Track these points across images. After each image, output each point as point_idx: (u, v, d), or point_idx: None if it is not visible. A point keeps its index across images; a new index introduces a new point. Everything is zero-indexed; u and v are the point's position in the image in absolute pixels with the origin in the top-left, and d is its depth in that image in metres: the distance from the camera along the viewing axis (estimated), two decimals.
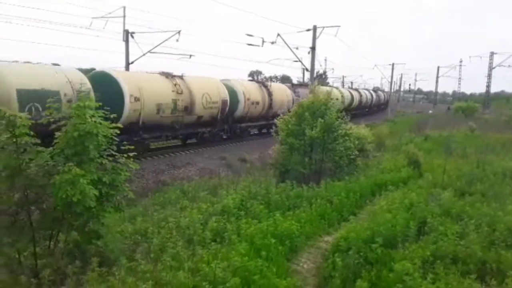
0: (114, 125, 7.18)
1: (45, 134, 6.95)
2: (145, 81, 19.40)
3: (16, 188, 6.58)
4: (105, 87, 17.02)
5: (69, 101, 14.55)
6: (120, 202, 7.41)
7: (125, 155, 7.36)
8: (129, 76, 19.58)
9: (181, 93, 21.01)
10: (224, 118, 25.28)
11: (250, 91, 27.67)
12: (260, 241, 7.94)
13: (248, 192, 11.48)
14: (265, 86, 30.29)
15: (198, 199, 11.24)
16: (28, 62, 15.58)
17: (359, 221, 10.09)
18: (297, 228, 8.90)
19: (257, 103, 28.34)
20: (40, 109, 13.51)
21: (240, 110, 26.72)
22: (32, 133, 6.46)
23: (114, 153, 7.24)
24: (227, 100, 24.65)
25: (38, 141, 6.61)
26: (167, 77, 20.96)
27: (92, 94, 14.50)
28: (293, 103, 26.78)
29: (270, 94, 29.79)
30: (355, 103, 51.05)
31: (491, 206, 10.40)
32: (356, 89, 59.77)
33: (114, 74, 18.42)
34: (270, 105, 29.65)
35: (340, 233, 9.22)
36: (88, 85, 15.91)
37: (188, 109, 21.61)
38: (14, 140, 6.32)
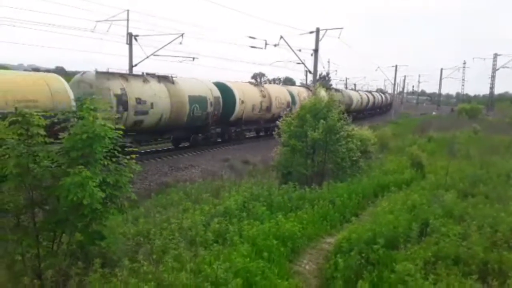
0: (117, 126, 7.24)
1: None
2: (245, 89, 27.91)
3: (22, 188, 6.64)
4: (224, 93, 25.22)
5: (211, 103, 23.47)
6: (123, 203, 7.46)
7: (128, 157, 7.40)
8: (237, 86, 27.64)
9: (265, 97, 29.20)
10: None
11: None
12: (262, 242, 7.97)
13: (251, 193, 11.51)
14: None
15: (201, 201, 11.26)
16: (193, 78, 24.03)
17: (361, 222, 10.10)
18: (299, 229, 8.92)
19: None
20: (198, 107, 22.31)
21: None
22: (45, 133, 6.52)
23: (117, 154, 7.28)
24: (289, 102, 31.49)
25: (51, 140, 6.67)
26: (255, 85, 28.28)
27: (220, 99, 24.49)
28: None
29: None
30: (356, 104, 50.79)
31: (494, 207, 10.38)
32: (356, 91, 59.38)
33: (229, 85, 26.73)
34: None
35: (342, 234, 9.24)
36: (218, 92, 24.60)
37: (268, 108, 29.55)
38: (27, 138, 6.37)
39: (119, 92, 17.78)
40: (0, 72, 16.22)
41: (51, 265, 6.51)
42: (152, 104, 19.19)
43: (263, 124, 30.15)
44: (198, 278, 6.26)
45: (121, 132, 7.26)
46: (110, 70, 18.45)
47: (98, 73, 18.06)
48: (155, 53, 29.77)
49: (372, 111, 63.84)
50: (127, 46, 29.93)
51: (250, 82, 28.58)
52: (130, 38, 29.63)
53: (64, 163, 6.64)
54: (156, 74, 20.83)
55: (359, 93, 56.59)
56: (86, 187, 6.11)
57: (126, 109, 17.85)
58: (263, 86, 29.45)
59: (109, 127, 6.89)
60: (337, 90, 44.66)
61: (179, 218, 9.16)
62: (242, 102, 26.74)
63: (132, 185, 7.81)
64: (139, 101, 18.54)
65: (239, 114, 26.99)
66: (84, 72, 18.72)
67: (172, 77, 21.48)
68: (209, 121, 24.01)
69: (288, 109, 23.15)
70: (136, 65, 29.98)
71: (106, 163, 6.98)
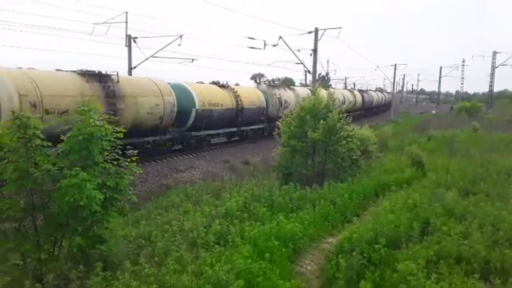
0: (118, 129, 7.24)
1: None
2: (272, 91, 31.09)
3: (22, 192, 6.64)
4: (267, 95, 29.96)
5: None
6: (123, 206, 7.46)
7: (129, 159, 7.40)
8: (271, 90, 31.34)
9: (279, 97, 31.27)
10: None
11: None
12: (263, 243, 7.96)
13: (251, 194, 11.51)
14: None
15: (202, 202, 11.25)
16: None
17: (363, 222, 10.08)
18: (300, 230, 8.92)
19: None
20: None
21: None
22: (43, 136, 6.52)
23: (118, 157, 7.28)
24: (263, 106, 30.41)
25: (50, 144, 6.67)
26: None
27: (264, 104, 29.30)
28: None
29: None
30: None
31: (495, 205, 10.37)
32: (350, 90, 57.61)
33: (261, 88, 31.26)
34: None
35: (344, 234, 9.23)
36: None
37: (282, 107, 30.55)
38: (25, 142, 6.38)
39: (279, 96, 30.88)
40: (198, 85, 25.12)
41: (52, 269, 6.51)
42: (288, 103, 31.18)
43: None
44: (199, 280, 6.26)
45: (121, 135, 7.27)
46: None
47: (268, 85, 34.26)
48: (154, 55, 29.77)
49: (368, 111, 60.71)
50: (126, 48, 29.93)
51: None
52: (129, 40, 29.63)
53: (64, 167, 6.64)
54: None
55: (352, 93, 52.82)
56: (84, 189, 6.12)
57: (281, 106, 30.24)
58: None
59: (104, 128, 6.89)
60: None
61: (180, 220, 9.16)
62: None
63: (133, 188, 7.82)
64: (284, 101, 30.97)
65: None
66: (259, 84, 31.91)
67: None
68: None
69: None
70: (135, 67, 30.01)
71: (106, 166, 6.98)
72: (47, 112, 14.73)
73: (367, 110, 59.13)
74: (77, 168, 6.30)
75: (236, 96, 26.26)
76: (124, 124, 13.93)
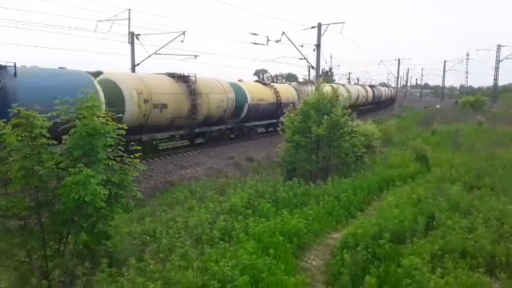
0: (120, 125, 7.26)
1: None
2: (301, 88, 33.59)
3: (27, 190, 6.67)
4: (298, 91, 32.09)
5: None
6: (128, 202, 7.49)
7: (132, 156, 7.42)
8: (300, 86, 34.07)
9: (307, 93, 28.90)
10: None
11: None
12: (268, 239, 7.98)
13: (256, 190, 11.51)
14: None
15: (206, 199, 11.27)
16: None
17: (367, 217, 10.09)
18: (305, 226, 8.92)
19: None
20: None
21: None
22: (48, 134, 6.55)
23: (121, 153, 7.30)
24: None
25: (55, 142, 6.71)
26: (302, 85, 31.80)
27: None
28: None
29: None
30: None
31: (500, 200, 10.34)
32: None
33: (293, 85, 33.80)
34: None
35: (348, 229, 9.24)
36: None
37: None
38: (31, 141, 6.41)
39: (307, 92, 29.98)
40: (249, 83, 29.40)
41: (58, 265, 6.55)
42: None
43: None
44: (204, 276, 6.28)
45: (124, 132, 7.29)
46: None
47: (298, 82, 37.62)
48: (157, 52, 29.75)
49: (377, 105, 64.79)
50: (129, 45, 29.94)
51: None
52: (132, 37, 29.63)
53: (68, 164, 6.67)
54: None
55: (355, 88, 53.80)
56: (88, 185, 6.14)
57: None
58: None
59: (108, 124, 6.91)
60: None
61: (185, 217, 9.19)
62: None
63: (138, 184, 7.83)
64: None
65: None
66: (290, 82, 35.16)
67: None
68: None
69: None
70: (138, 64, 29.99)
71: (110, 163, 7.01)
72: (154, 106, 18.69)
73: (377, 103, 64.34)
74: (80, 165, 6.33)
75: (276, 92, 29.79)
76: (200, 116, 21.96)
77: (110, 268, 6.37)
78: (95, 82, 16.15)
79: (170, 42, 29.27)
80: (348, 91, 42.34)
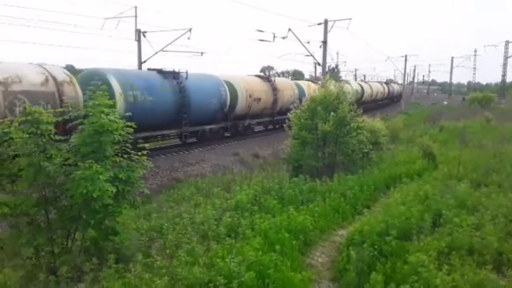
0: (129, 123, 7.30)
1: None
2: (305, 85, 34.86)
3: (35, 186, 6.73)
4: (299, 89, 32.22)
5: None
6: (135, 199, 7.53)
7: (139, 153, 7.45)
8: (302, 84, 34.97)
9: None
10: None
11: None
12: (274, 236, 7.98)
13: (262, 187, 11.53)
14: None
15: (212, 195, 11.31)
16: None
17: (373, 214, 10.06)
18: (311, 222, 8.91)
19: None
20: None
21: None
22: (55, 130, 6.59)
23: (129, 151, 7.34)
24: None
25: (62, 138, 6.76)
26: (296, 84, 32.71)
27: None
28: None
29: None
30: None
31: (508, 197, 10.27)
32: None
33: (296, 82, 34.43)
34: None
35: (354, 226, 9.22)
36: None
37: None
38: (38, 137, 6.46)
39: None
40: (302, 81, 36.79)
41: (66, 261, 6.60)
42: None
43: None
44: (211, 272, 6.30)
45: (131, 130, 7.32)
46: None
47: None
48: (164, 49, 29.79)
49: (391, 100, 70.35)
50: (135, 43, 30.02)
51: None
52: (139, 34, 29.71)
53: (76, 160, 6.71)
54: None
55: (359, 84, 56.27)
56: (96, 181, 6.18)
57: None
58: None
59: (117, 122, 6.95)
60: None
61: (191, 213, 9.22)
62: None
63: (145, 181, 7.86)
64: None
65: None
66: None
67: None
68: None
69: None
70: (145, 61, 30.06)
71: (117, 160, 7.04)
72: (254, 99, 25.88)
73: (391, 99, 71.12)
74: (90, 161, 6.37)
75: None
76: (278, 107, 28.80)
77: (117, 264, 6.41)
78: (224, 83, 23.44)
79: (176, 39, 29.32)
80: (371, 88, 53.37)
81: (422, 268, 6.43)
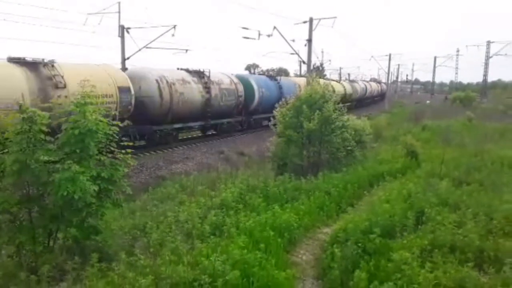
0: (115, 122, 7.22)
1: None
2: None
3: (18, 185, 6.62)
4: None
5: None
6: (118, 197, 7.44)
7: (123, 151, 7.37)
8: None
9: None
10: None
11: None
12: (259, 234, 7.98)
13: (247, 185, 11.51)
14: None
15: (197, 193, 11.24)
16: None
17: (357, 212, 10.14)
18: (295, 220, 8.93)
19: None
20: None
21: None
22: (46, 130, 6.53)
23: (113, 149, 7.26)
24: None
25: (52, 138, 6.68)
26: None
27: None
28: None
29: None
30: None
31: (489, 195, 10.44)
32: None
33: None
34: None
35: (339, 224, 9.28)
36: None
37: None
38: (29, 135, 6.37)
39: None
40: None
41: (47, 260, 6.50)
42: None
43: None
44: (195, 271, 6.26)
45: (117, 129, 7.24)
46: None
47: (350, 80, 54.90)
48: (148, 46, 29.48)
49: (380, 97, 73.90)
50: (119, 39, 29.63)
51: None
52: (122, 30, 29.31)
53: (60, 159, 6.62)
54: None
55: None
56: (77, 181, 6.11)
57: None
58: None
59: (104, 122, 6.88)
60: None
61: (176, 211, 9.16)
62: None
63: (128, 179, 7.79)
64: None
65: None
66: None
67: None
68: None
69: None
70: (128, 58, 29.71)
71: (101, 158, 6.96)
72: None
73: (380, 96, 75.45)
74: (69, 162, 6.29)
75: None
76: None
77: (100, 263, 6.32)
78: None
79: (160, 36, 29.03)
80: (365, 85, 59.95)
81: (405, 266, 6.50)
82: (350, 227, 8.36)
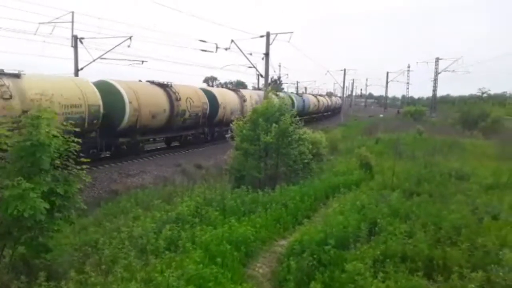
0: (74, 139, 6.99)
1: None
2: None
3: None
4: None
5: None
6: (70, 213, 7.17)
7: (78, 167, 7.14)
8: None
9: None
10: None
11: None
12: (215, 248, 7.91)
13: (203, 198, 11.40)
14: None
15: (152, 208, 11.03)
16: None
17: (313, 224, 10.25)
18: (252, 233, 8.91)
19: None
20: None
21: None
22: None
23: (68, 164, 7.02)
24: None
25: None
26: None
27: None
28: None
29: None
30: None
31: (437, 205, 10.85)
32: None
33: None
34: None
35: (295, 236, 9.34)
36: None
37: None
38: None
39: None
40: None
41: None
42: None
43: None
44: (149, 287, 6.11)
45: (79, 147, 7.02)
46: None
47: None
48: (102, 56, 28.87)
49: (336, 110, 76.83)
50: (72, 49, 28.85)
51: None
52: (75, 41, 28.58)
53: (12, 173, 6.32)
54: None
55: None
56: (27, 199, 5.84)
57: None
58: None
59: (59, 138, 6.63)
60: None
61: (130, 226, 8.93)
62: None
63: (80, 194, 7.53)
64: None
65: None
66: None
67: None
68: None
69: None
70: (82, 68, 28.96)
71: (55, 173, 6.71)
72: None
73: (336, 109, 79.26)
74: (19, 178, 6.02)
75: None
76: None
77: (48, 282, 6.06)
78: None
79: (116, 46, 28.51)
80: (324, 100, 64.83)
81: (359, 276, 6.63)
82: (306, 238, 8.45)
